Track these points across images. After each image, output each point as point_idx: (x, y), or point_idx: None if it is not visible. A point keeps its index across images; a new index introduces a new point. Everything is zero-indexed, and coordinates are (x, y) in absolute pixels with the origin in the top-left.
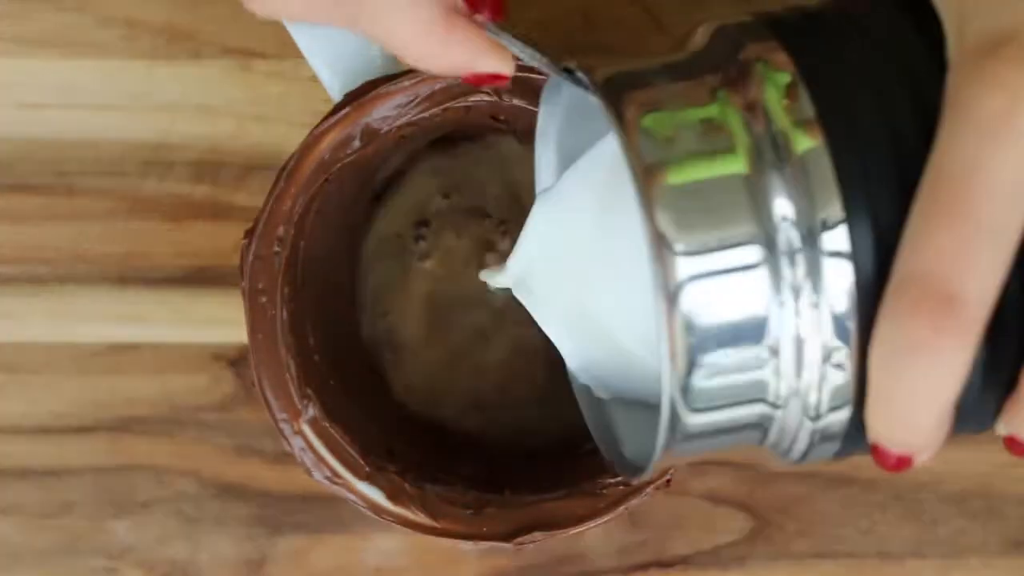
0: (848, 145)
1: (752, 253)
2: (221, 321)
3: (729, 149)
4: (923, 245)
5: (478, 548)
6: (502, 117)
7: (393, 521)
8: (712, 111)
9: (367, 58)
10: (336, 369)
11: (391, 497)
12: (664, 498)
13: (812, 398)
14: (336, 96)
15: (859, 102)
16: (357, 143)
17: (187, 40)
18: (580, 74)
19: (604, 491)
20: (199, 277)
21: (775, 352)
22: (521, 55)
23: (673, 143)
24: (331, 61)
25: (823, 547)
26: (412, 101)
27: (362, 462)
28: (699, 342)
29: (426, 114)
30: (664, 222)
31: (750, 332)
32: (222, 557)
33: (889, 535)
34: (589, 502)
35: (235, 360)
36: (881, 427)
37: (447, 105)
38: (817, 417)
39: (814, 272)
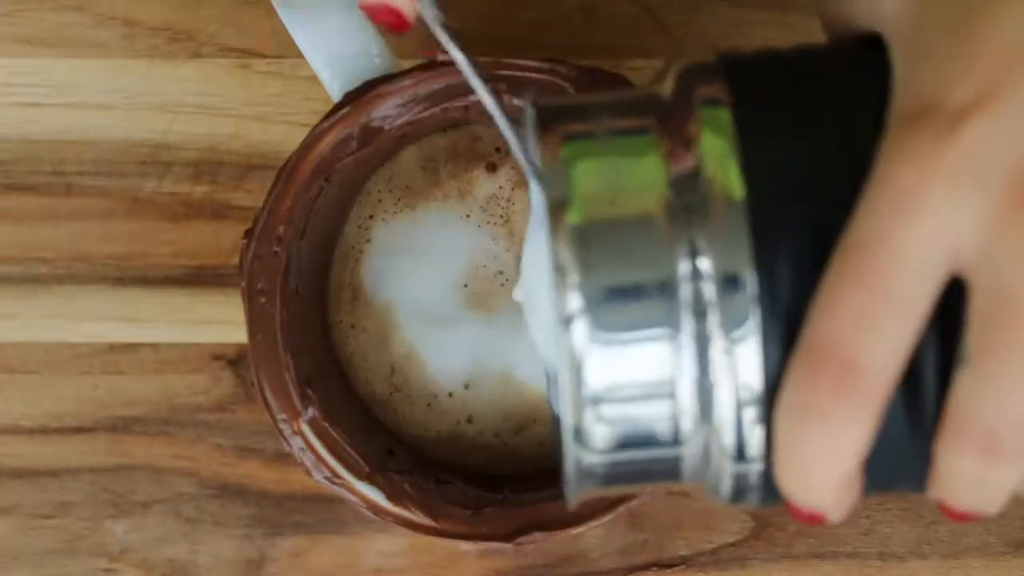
0: (768, 202)
1: (653, 297)
2: (220, 321)
3: (647, 191)
4: (829, 312)
5: (478, 548)
6: None
7: (393, 521)
8: (637, 154)
9: (367, 58)
10: (336, 369)
11: (391, 497)
12: (664, 498)
13: (728, 440)
14: (336, 96)
15: (790, 160)
16: (356, 143)
17: (187, 40)
18: (528, 107)
19: None
20: (198, 277)
21: (672, 394)
22: (456, 57)
23: (590, 179)
24: (331, 61)
25: (823, 548)
26: (412, 101)
27: (362, 462)
28: (591, 379)
29: (426, 114)
30: (565, 256)
31: (646, 373)
32: (221, 557)
33: (889, 535)
34: (589, 502)
35: (234, 360)
36: (784, 486)
37: (447, 105)
38: (739, 459)
39: (724, 322)
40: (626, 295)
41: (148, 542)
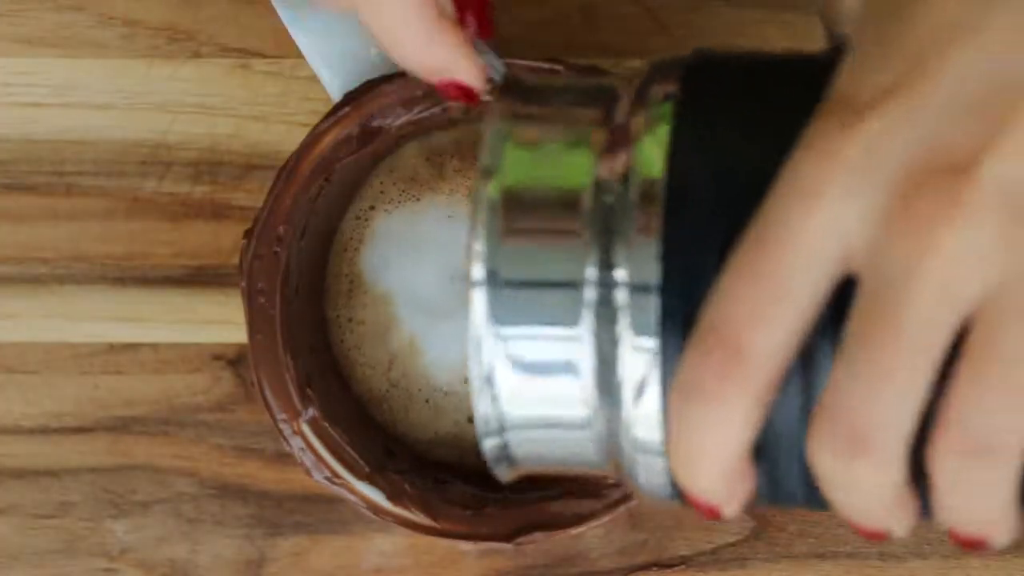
0: (687, 208)
1: (558, 289)
2: (220, 321)
3: (572, 182)
4: (724, 296)
5: (478, 548)
6: None
7: (393, 521)
8: (573, 143)
9: (367, 58)
10: (335, 369)
11: (391, 497)
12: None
13: (633, 431)
14: (336, 96)
15: (721, 164)
16: (356, 143)
17: (186, 40)
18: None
19: (604, 491)
20: (198, 277)
21: (574, 376)
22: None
23: (522, 160)
24: (331, 61)
25: (823, 548)
26: (412, 101)
27: (362, 462)
28: (488, 357)
29: (426, 114)
30: (482, 231)
31: (546, 355)
32: (221, 557)
33: None
34: (589, 502)
35: (234, 360)
36: (674, 470)
37: (447, 105)
38: (646, 451)
39: (631, 324)
40: (531, 282)
41: (148, 542)
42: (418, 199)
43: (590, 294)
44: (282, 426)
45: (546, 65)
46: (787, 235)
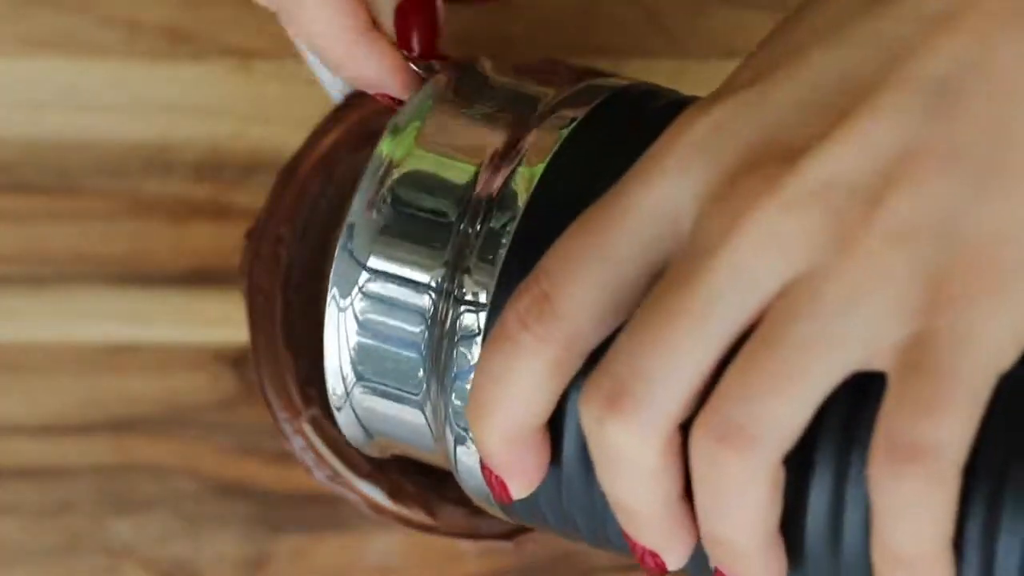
0: (528, 245)
1: (417, 296)
2: (222, 321)
3: (452, 191)
4: (551, 252)
5: (478, 547)
6: None
7: (393, 520)
8: (467, 152)
9: None
10: None
11: (391, 496)
12: None
13: (458, 405)
14: (336, 97)
15: (588, 194)
16: (357, 144)
17: (188, 41)
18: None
19: None
20: (200, 277)
21: (414, 345)
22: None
23: (421, 151)
24: None
25: None
26: None
27: (362, 461)
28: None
29: None
30: (360, 225)
31: (398, 322)
32: (223, 556)
33: None
34: None
35: (236, 360)
36: (471, 425)
37: None
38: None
39: (462, 313)
40: (388, 270)
41: (150, 541)
42: None
43: (432, 296)
44: (283, 425)
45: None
46: (623, 202)
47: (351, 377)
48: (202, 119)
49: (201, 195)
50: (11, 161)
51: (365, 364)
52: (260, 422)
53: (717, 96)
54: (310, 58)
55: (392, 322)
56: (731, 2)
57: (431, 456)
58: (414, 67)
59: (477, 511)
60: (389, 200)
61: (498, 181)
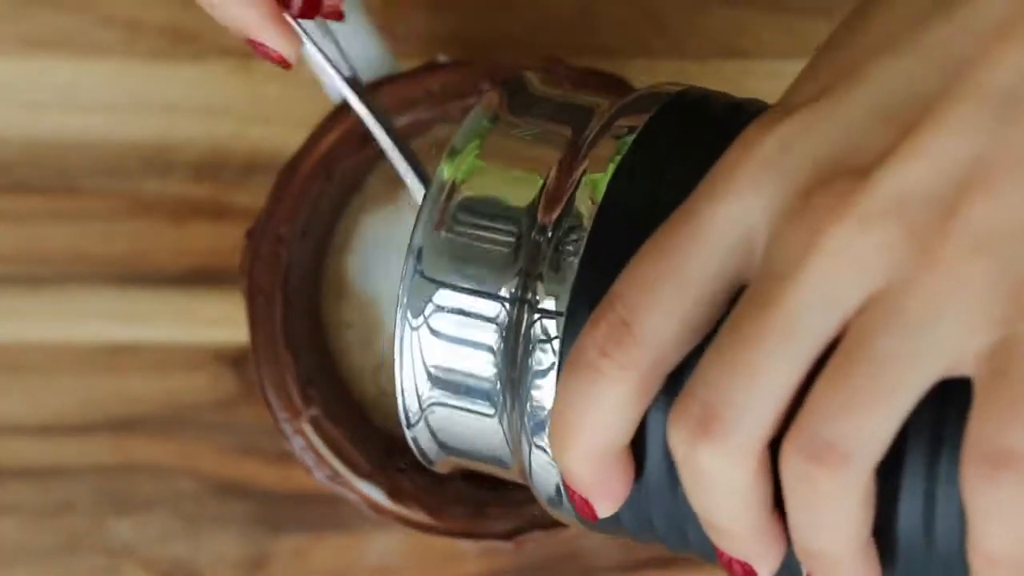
0: (602, 253)
1: (491, 307)
2: (222, 321)
3: (515, 207)
4: (626, 275)
5: (478, 547)
6: None
7: (393, 520)
8: (528, 173)
9: (367, 59)
10: (335, 369)
11: (391, 496)
12: None
13: (535, 421)
14: (336, 97)
15: (652, 209)
16: (357, 144)
17: (188, 41)
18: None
19: None
20: (200, 277)
21: (489, 356)
22: (317, 57)
23: (482, 166)
24: (331, 63)
25: None
26: (412, 102)
27: (362, 461)
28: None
29: (426, 114)
30: (428, 246)
31: (470, 336)
32: (222, 556)
33: None
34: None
35: (236, 360)
36: (552, 447)
37: (447, 105)
38: (541, 446)
39: (538, 327)
40: (464, 287)
41: (150, 541)
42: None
43: (505, 307)
44: (283, 425)
45: (546, 65)
46: (694, 222)
47: (427, 394)
48: (202, 119)
49: (201, 195)
50: (11, 161)
51: (442, 379)
52: (260, 422)
53: (779, 112)
54: (311, 58)
55: (467, 336)
56: (731, 2)
57: (505, 472)
58: (292, 23)
59: (477, 511)
60: (457, 218)
61: (564, 192)
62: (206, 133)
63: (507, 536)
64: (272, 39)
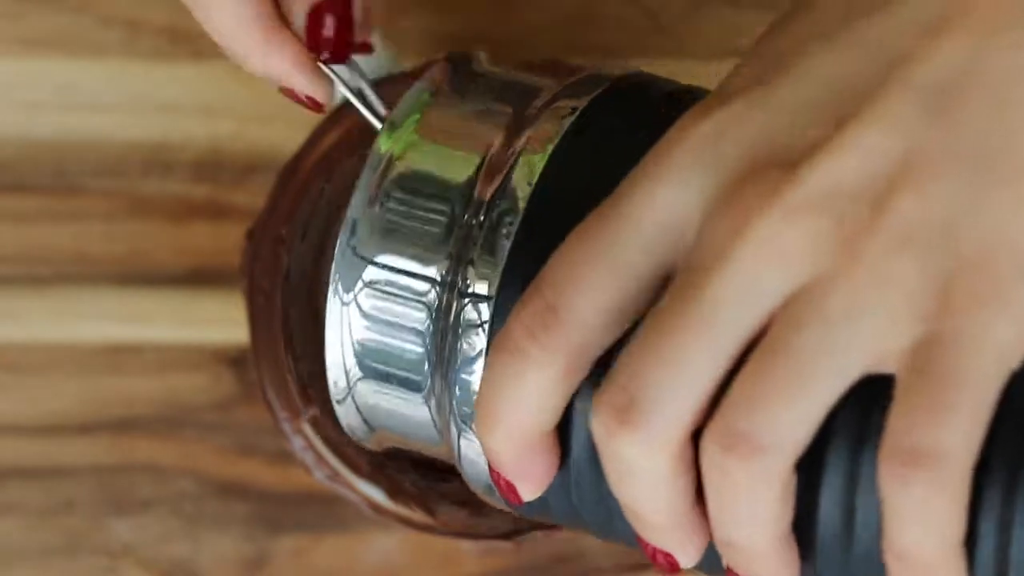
0: (534, 234)
1: (420, 287)
2: (222, 321)
3: (452, 184)
4: (555, 258)
5: (478, 547)
6: None
7: (393, 520)
8: (467, 144)
9: (367, 59)
10: None
11: (391, 496)
12: None
13: (464, 402)
14: (336, 97)
15: (585, 193)
16: (357, 143)
17: (188, 41)
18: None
19: None
20: (200, 277)
21: (418, 338)
22: (350, 96)
23: (420, 142)
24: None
25: None
26: None
27: (362, 461)
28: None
29: None
30: (362, 220)
31: (401, 315)
32: (222, 556)
33: None
34: None
35: (236, 360)
36: (477, 428)
37: None
38: (468, 424)
39: (469, 305)
40: (396, 251)
41: (149, 541)
42: None
43: (436, 289)
44: (283, 425)
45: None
46: (625, 206)
47: (354, 371)
48: (202, 119)
49: (201, 195)
50: (11, 161)
51: (368, 357)
52: (260, 422)
53: (716, 100)
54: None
55: (396, 315)
56: (731, 2)
57: (433, 449)
58: (324, 67)
59: (477, 511)
60: (391, 194)
61: (500, 172)
62: (206, 133)
63: (507, 536)
64: (302, 85)
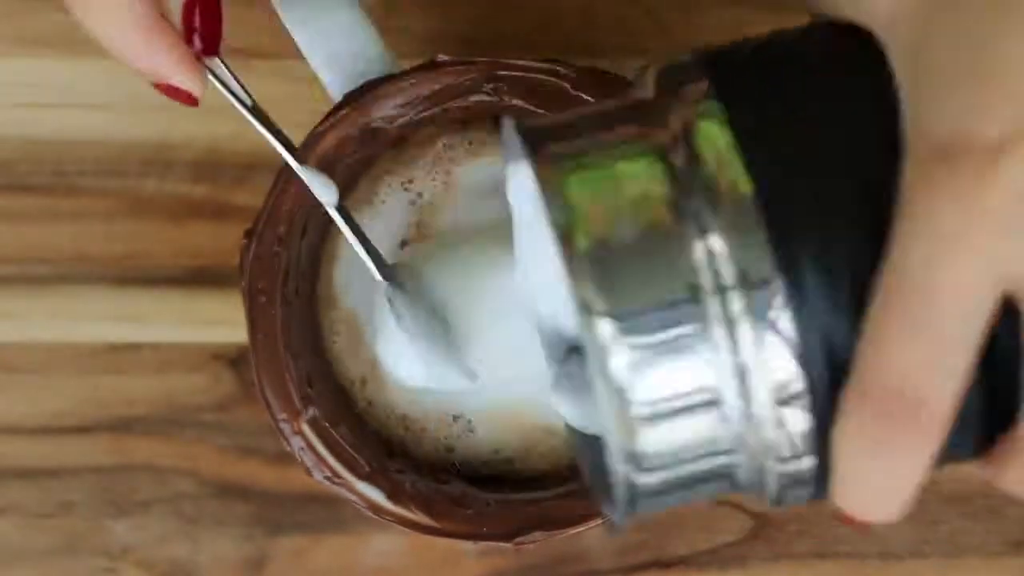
0: (776, 200)
1: (679, 307)
2: (221, 321)
3: (650, 200)
4: (888, 353)
5: (478, 548)
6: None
7: (393, 521)
8: (633, 164)
9: (367, 58)
10: (336, 368)
11: (391, 497)
12: None
13: (770, 435)
14: (336, 96)
15: (792, 159)
16: (357, 143)
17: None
18: (506, 126)
19: None
20: (199, 277)
21: (717, 401)
22: (236, 97)
23: (591, 199)
24: (330, 61)
25: (823, 547)
26: (412, 101)
27: (362, 462)
28: (635, 406)
29: (426, 114)
30: (585, 287)
31: (688, 385)
32: (222, 557)
33: (890, 535)
34: (589, 502)
35: (235, 360)
36: (847, 507)
37: (447, 105)
38: (783, 460)
39: (753, 322)
40: (654, 310)
41: (149, 541)
42: (384, 203)
43: (709, 297)
44: (282, 426)
45: (546, 65)
46: (945, 289)
47: (651, 451)
48: (201, 118)
49: (200, 195)
50: (10, 160)
51: (666, 435)
52: (260, 422)
53: (984, 155)
54: (310, 57)
55: (684, 381)
56: (731, 1)
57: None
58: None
59: (477, 512)
60: (622, 281)
61: (688, 175)
62: (206, 133)
63: (507, 537)
64: (182, 80)
